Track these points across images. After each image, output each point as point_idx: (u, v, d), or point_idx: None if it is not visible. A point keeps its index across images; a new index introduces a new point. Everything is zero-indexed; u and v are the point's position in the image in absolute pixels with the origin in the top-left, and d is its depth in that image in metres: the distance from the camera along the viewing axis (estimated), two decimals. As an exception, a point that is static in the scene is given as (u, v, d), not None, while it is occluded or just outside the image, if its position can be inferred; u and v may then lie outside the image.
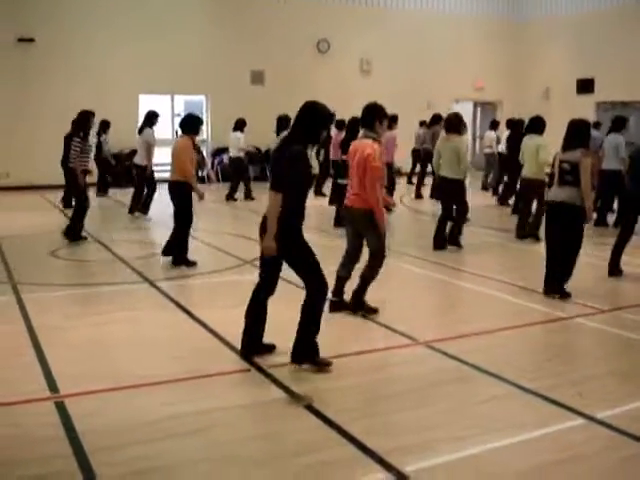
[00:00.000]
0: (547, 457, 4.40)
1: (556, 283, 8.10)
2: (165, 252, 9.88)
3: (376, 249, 7.28)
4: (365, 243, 7.44)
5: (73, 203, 12.49)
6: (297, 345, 5.85)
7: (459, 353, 6.18)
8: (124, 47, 20.21)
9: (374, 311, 7.36)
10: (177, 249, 9.77)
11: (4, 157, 19.32)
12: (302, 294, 5.85)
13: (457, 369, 5.90)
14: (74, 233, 11.50)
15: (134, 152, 15.45)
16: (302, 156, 5.73)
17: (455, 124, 10.91)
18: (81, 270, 10.11)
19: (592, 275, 9.27)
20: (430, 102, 23.16)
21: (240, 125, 17.04)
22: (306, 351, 5.82)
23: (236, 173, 17.40)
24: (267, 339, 6.16)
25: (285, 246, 5.69)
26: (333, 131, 15.37)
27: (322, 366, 5.81)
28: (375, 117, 7.30)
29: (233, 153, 17.28)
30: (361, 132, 7.49)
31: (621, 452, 4.48)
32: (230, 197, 17.05)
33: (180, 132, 10.07)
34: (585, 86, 23.70)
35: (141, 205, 14.48)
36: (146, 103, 19.83)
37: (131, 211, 14.46)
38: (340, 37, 23.18)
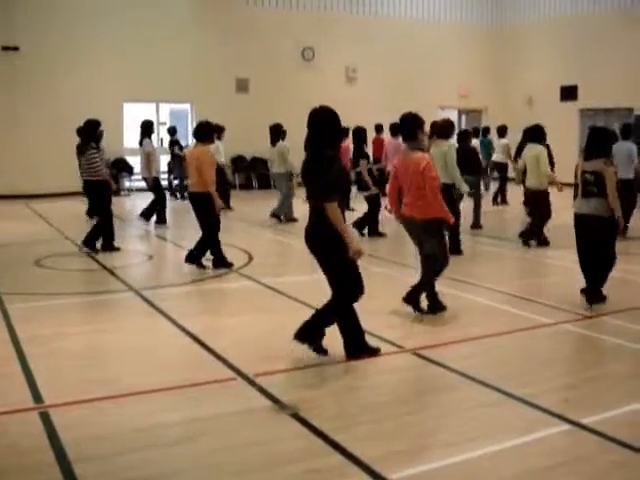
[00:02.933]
0: (535, 463, 4.39)
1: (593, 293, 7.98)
2: (188, 259, 9.90)
3: (432, 253, 7.62)
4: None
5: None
6: (307, 325, 6.04)
7: (446, 360, 6.17)
8: (109, 55, 20.19)
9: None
10: (215, 254, 10.01)
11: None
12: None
13: (444, 376, 5.89)
14: (109, 244, 11.42)
15: (121, 161, 15.43)
16: (338, 160, 5.94)
17: (445, 129, 10.95)
18: (66, 280, 10.03)
19: (575, 280, 9.28)
20: (416, 110, 23.18)
21: (219, 133, 16.91)
22: (311, 333, 6.05)
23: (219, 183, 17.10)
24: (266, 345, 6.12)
25: (331, 250, 5.86)
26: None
27: (320, 352, 6.10)
28: (417, 128, 7.50)
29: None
30: (404, 145, 7.65)
31: (608, 457, 4.47)
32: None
33: (194, 141, 10.19)
34: (568, 93, 23.82)
35: (157, 216, 14.56)
36: (131, 111, 19.81)
37: (147, 218, 14.59)
38: (325, 45, 23.22)
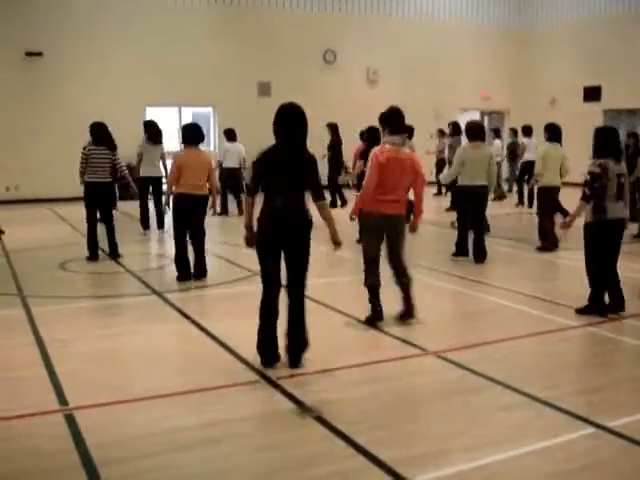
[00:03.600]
0: (559, 467, 4.37)
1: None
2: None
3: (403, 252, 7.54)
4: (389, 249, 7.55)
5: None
6: (300, 347, 6.11)
7: (469, 363, 6.15)
8: (131, 60, 20.32)
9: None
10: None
11: (13, 170, 19.40)
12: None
13: (468, 379, 5.87)
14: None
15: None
16: None
17: (482, 130, 11.01)
18: (90, 283, 10.11)
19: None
20: (439, 112, 23.16)
21: (235, 136, 16.99)
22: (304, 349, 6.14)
23: (234, 184, 17.04)
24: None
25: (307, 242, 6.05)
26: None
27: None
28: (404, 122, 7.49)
29: (231, 164, 16.86)
30: (398, 138, 7.38)
31: (633, 461, 4.45)
32: (225, 210, 16.89)
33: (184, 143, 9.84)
34: (592, 94, 23.67)
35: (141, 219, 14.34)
36: (153, 116, 19.91)
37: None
38: (347, 47, 23.25)
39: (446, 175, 11.50)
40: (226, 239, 13.13)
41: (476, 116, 25.94)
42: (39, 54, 19.63)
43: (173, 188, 9.42)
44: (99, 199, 11.11)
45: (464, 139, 12.93)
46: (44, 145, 19.20)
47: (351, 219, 7.60)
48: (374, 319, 7.34)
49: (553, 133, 11.74)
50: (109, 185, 11.32)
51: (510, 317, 7.90)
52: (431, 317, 7.84)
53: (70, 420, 5.02)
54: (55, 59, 19.70)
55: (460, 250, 11.07)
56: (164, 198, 10.42)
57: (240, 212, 16.10)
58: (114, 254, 11.19)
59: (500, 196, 19.21)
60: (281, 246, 6.02)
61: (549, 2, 25.33)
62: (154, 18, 20.65)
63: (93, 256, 11.03)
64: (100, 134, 11.22)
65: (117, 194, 12.38)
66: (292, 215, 5.99)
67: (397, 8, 24.26)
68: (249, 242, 6.18)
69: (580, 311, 7.68)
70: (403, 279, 7.46)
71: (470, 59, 24.93)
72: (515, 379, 5.77)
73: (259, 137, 15.73)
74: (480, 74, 25.14)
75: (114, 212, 11.63)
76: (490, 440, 4.70)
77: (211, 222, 15.44)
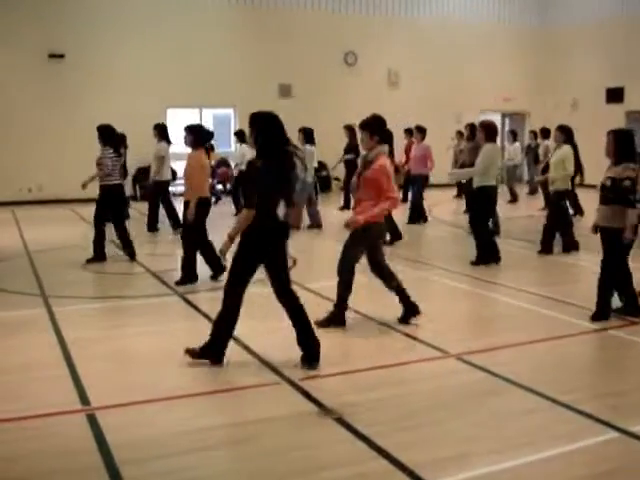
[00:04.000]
0: (581, 471, 4.35)
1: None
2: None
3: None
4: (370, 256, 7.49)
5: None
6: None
7: (491, 365, 6.12)
8: (152, 61, 20.41)
9: None
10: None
11: (36, 171, 19.54)
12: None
13: (489, 382, 5.84)
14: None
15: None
16: None
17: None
18: (111, 283, 10.15)
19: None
20: (460, 114, 23.07)
21: (244, 137, 16.90)
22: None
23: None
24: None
25: None
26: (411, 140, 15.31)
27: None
28: None
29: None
30: (386, 147, 7.32)
31: (658, 466, 4.41)
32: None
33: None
34: (614, 95, 23.48)
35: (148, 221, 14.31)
36: (174, 117, 19.98)
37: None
38: (367, 49, 23.21)
39: (464, 173, 11.20)
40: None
41: (497, 118, 25.87)
42: (61, 56, 19.76)
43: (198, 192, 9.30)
44: (109, 201, 11.13)
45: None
46: (66, 146, 19.30)
47: (350, 227, 7.27)
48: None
49: (569, 135, 11.67)
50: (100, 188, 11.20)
51: (531, 320, 7.85)
52: (451, 319, 7.83)
53: (92, 420, 5.04)
54: (77, 61, 19.80)
55: (491, 256, 10.72)
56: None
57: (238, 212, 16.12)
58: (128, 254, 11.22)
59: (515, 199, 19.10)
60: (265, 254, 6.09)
61: (571, 3, 25.16)
62: (175, 20, 20.70)
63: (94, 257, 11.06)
64: (104, 135, 11.21)
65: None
66: (283, 226, 6.12)
67: (418, 10, 24.19)
68: (225, 251, 6.13)
69: (595, 317, 7.60)
70: (393, 283, 7.47)
71: (491, 60, 24.83)
72: (537, 382, 5.73)
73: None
74: (501, 75, 25.03)
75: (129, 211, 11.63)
76: (512, 443, 4.67)
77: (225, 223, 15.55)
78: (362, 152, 7.53)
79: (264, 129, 5.98)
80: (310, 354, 6.11)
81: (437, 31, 24.11)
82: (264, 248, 6.02)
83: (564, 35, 25.11)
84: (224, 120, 22.68)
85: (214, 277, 9.53)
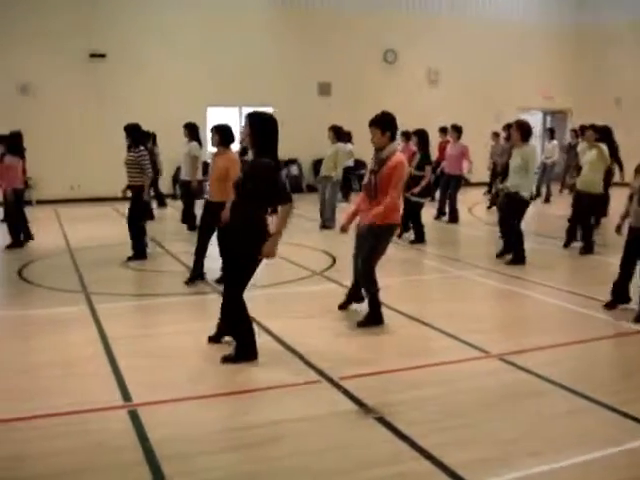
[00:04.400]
0: (625, 475, 4.29)
1: None
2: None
3: None
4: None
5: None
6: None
7: (533, 366, 6.06)
8: (193, 60, 20.51)
9: None
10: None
11: (76, 169, 19.78)
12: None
13: (531, 382, 5.78)
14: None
15: (205, 164, 15.53)
16: None
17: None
18: (152, 280, 10.23)
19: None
20: (500, 113, 22.86)
21: None
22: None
23: None
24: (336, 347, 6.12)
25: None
26: (400, 144, 15.14)
27: None
28: None
29: None
30: (397, 144, 7.31)
31: None
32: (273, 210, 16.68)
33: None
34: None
35: (187, 222, 14.33)
36: (214, 115, 20.07)
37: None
38: (407, 47, 23.11)
39: (527, 185, 10.70)
40: (286, 238, 13.17)
41: (538, 116, 25.64)
42: (102, 56, 19.96)
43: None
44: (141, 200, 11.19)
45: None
46: (106, 145, 19.45)
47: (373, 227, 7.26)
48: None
49: (606, 134, 11.50)
50: (131, 188, 11.21)
51: (572, 319, 7.77)
52: (492, 319, 7.78)
53: (134, 416, 5.08)
54: (118, 60, 20.00)
55: (524, 257, 10.62)
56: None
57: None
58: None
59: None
60: None
61: (612, 0, 24.84)
62: (215, 19, 20.79)
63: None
64: (130, 135, 11.26)
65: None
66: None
67: (458, 8, 24.01)
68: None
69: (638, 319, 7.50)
70: (373, 288, 7.50)
71: (532, 58, 24.57)
72: (579, 383, 5.66)
73: (318, 137, 15.95)
74: (542, 73, 24.77)
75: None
76: (554, 446, 4.62)
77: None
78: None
79: (265, 129, 6.08)
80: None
81: (477, 30, 23.91)
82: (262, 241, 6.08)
83: (605, 32, 24.76)
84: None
85: (190, 282, 9.45)
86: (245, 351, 6.21)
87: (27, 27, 19.12)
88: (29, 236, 12.84)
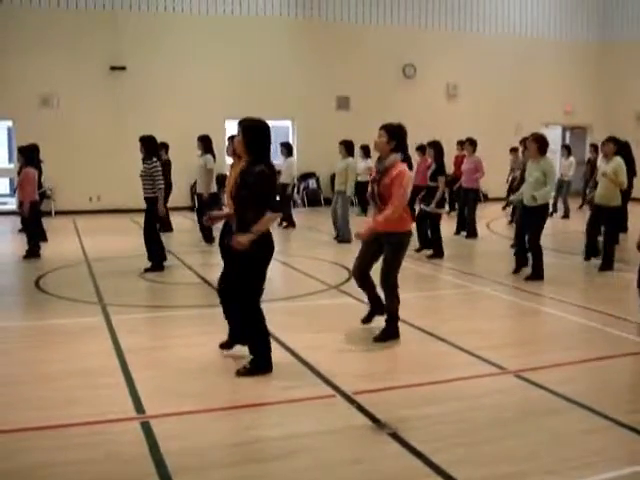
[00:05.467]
0: (643, 495, 4.22)
1: None
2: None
3: None
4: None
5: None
6: None
7: (550, 383, 5.98)
8: (211, 73, 20.63)
9: None
10: None
11: (96, 180, 19.93)
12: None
13: (548, 400, 5.71)
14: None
15: (223, 176, 15.57)
16: None
17: None
18: (168, 292, 10.24)
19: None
20: (519, 127, 22.77)
21: (291, 150, 16.99)
22: None
23: (286, 199, 16.94)
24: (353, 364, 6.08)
25: None
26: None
27: None
28: None
29: (287, 179, 16.66)
30: (399, 155, 7.15)
31: None
32: (291, 223, 16.89)
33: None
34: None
35: (203, 234, 14.30)
36: (232, 129, 20.12)
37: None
38: (426, 61, 23.12)
39: (545, 193, 10.58)
40: (303, 252, 13.18)
41: (557, 131, 25.52)
42: (123, 68, 20.10)
43: None
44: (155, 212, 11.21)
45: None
46: (125, 156, 19.51)
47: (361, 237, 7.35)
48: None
49: (623, 148, 11.42)
50: (146, 200, 11.26)
51: (590, 336, 7.67)
52: (508, 334, 7.71)
53: (146, 428, 5.06)
54: (138, 73, 20.14)
55: (542, 273, 10.47)
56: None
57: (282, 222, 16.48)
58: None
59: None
60: None
61: (633, 16, 24.75)
62: (235, 32, 20.91)
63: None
64: (144, 146, 11.30)
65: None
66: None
67: (478, 23, 24.02)
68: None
69: None
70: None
71: (551, 73, 24.52)
72: (597, 401, 5.58)
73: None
74: (562, 89, 24.71)
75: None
76: (571, 464, 4.55)
77: (283, 236, 15.64)
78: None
79: (258, 136, 6.02)
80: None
81: (496, 44, 23.91)
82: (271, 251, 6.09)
83: (625, 48, 24.72)
84: (282, 132, 22.79)
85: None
86: (260, 364, 6.18)
87: (48, 40, 19.32)
88: (44, 237, 13.44)
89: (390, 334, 7.26)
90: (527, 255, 10.77)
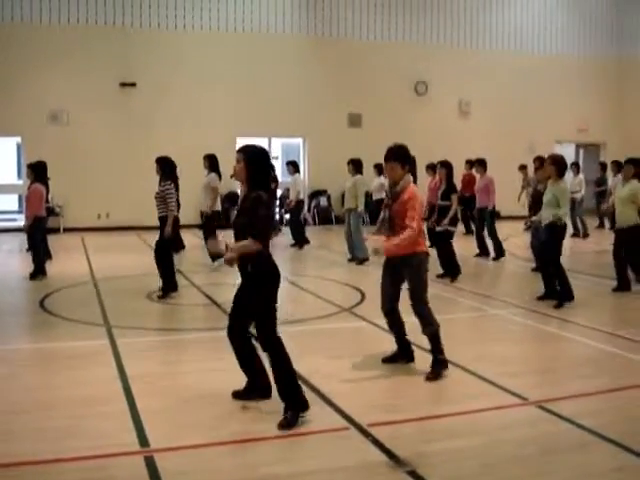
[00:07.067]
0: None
1: None
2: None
3: None
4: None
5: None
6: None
7: (576, 415, 5.66)
8: (222, 91, 20.49)
9: None
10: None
11: (105, 198, 19.76)
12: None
13: (574, 434, 5.39)
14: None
15: (234, 194, 15.37)
16: None
17: None
18: (176, 314, 9.98)
19: None
20: (532, 144, 22.51)
21: (297, 167, 16.84)
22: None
23: (296, 217, 16.89)
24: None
25: None
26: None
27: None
28: None
29: (297, 196, 16.62)
30: (410, 176, 6.88)
31: None
32: (305, 241, 16.70)
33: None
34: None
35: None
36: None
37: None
38: (438, 79, 22.94)
39: (562, 214, 10.23)
40: (314, 272, 12.92)
41: (571, 149, 25.25)
42: (133, 85, 19.99)
43: None
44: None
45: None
46: (134, 174, 19.40)
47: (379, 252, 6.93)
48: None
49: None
50: (159, 219, 10.79)
51: (615, 364, 7.35)
52: (530, 362, 7.41)
53: (150, 462, 4.78)
54: (148, 90, 20.04)
55: (571, 294, 10.15)
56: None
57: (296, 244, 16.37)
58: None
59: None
60: None
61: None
62: (245, 49, 20.79)
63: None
64: (160, 168, 10.96)
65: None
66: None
67: (489, 40, 23.88)
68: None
69: None
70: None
71: (565, 91, 24.32)
72: (626, 435, 5.26)
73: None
74: (575, 106, 24.47)
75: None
76: (603, 507, 4.26)
77: (295, 255, 15.40)
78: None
79: (259, 163, 5.78)
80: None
81: (508, 61, 23.74)
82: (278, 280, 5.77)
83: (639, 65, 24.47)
84: (293, 150, 22.61)
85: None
86: (297, 406, 5.64)
87: (58, 56, 19.23)
88: (49, 255, 13.37)
89: (441, 369, 6.82)
90: (553, 280, 10.31)
